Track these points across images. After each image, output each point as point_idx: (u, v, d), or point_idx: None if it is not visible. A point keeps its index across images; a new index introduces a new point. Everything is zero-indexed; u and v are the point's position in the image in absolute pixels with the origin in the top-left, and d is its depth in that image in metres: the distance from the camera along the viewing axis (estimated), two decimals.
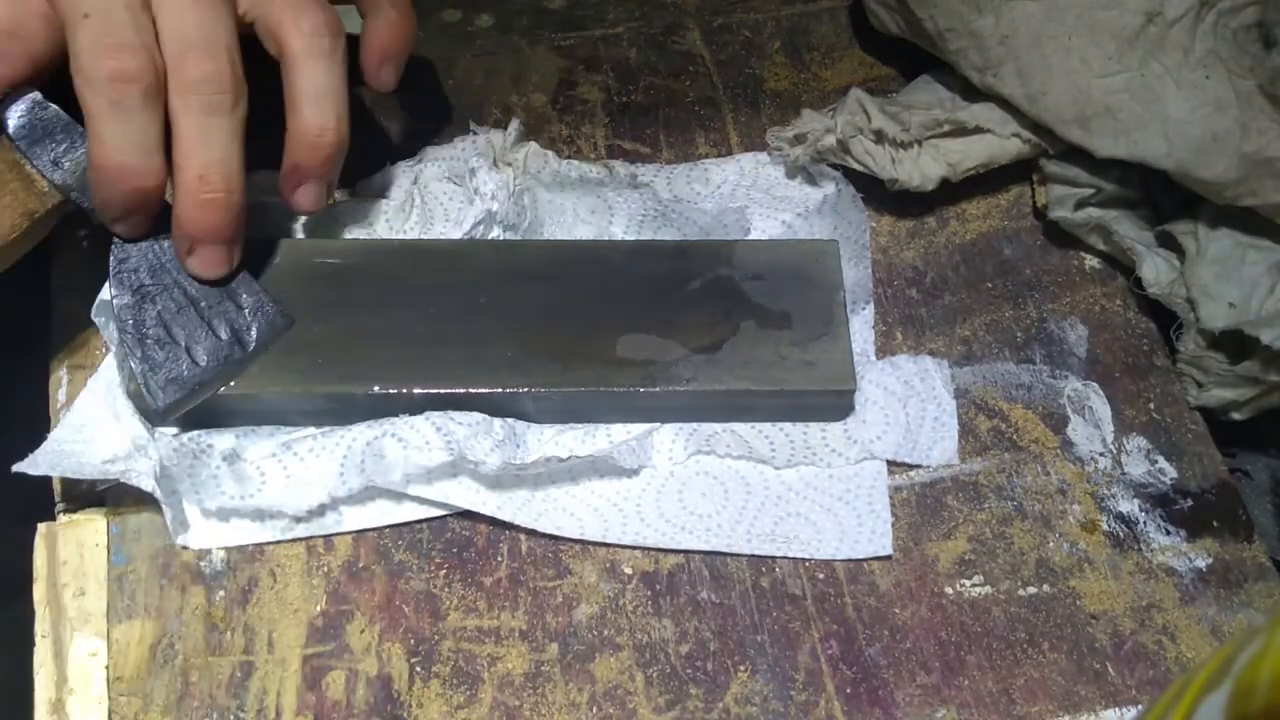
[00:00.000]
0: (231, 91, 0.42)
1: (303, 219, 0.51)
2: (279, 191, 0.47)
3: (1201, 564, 0.47)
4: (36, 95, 0.43)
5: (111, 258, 0.45)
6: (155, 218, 0.44)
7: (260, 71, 0.44)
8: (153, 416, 0.45)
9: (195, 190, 0.42)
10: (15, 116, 0.43)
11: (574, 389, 0.46)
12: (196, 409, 0.45)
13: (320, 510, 0.45)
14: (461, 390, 0.46)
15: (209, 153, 0.42)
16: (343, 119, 0.45)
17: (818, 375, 0.47)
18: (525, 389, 0.46)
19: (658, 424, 0.48)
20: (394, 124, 0.56)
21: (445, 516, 0.46)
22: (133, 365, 0.44)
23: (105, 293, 0.46)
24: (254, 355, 0.45)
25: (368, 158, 0.53)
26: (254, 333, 0.45)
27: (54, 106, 0.43)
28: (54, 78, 0.43)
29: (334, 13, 0.45)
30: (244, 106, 0.43)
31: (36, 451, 0.44)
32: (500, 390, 0.46)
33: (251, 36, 0.45)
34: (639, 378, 0.46)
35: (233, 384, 0.45)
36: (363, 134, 0.49)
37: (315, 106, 0.44)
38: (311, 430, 0.46)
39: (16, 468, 0.43)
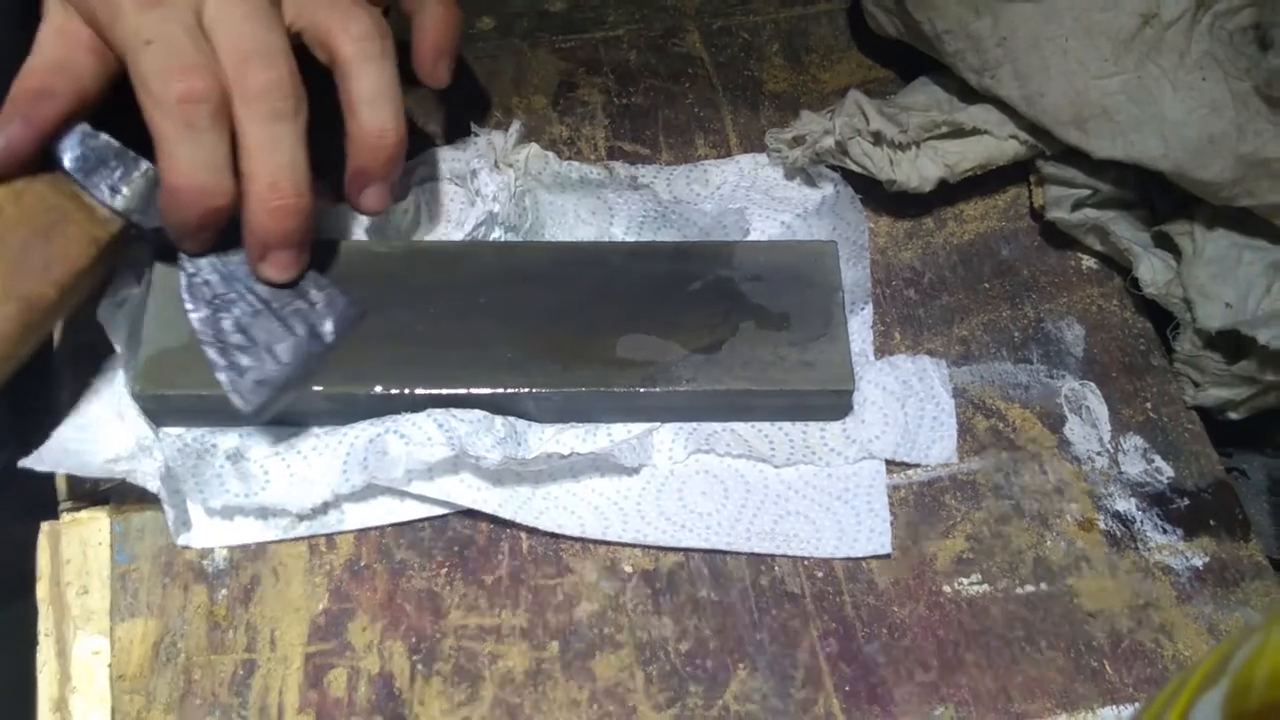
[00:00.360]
0: (293, 97, 0.43)
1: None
2: (345, 196, 0.47)
3: (1198, 562, 0.47)
4: (85, 126, 0.43)
5: (182, 275, 0.45)
6: (222, 231, 0.45)
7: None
8: (245, 419, 0.45)
9: (267, 198, 0.43)
10: (69, 150, 0.43)
11: (574, 389, 0.46)
12: (202, 409, 0.45)
13: (323, 508, 0.45)
14: (462, 391, 0.46)
15: (278, 159, 0.42)
16: (400, 119, 0.45)
17: (816, 375, 0.47)
18: (526, 389, 0.46)
19: (658, 423, 0.48)
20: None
21: (446, 515, 0.46)
22: (218, 375, 0.44)
23: (111, 292, 0.46)
24: (332, 347, 0.46)
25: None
26: (329, 325, 0.46)
27: (104, 135, 0.44)
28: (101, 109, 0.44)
29: (379, 15, 0.45)
30: (305, 112, 0.43)
31: (41, 448, 0.44)
32: (501, 391, 0.46)
33: (299, 47, 0.45)
34: (639, 378, 0.47)
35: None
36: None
37: (372, 109, 0.45)
38: (314, 428, 0.47)
39: (23, 463, 0.43)
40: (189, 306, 0.45)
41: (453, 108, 0.57)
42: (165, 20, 0.41)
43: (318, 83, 0.45)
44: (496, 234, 0.51)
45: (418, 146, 0.55)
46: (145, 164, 0.44)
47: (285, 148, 0.42)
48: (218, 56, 0.42)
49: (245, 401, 0.44)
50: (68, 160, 0.43)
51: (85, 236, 0.43)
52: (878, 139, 0.52)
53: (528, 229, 0.51)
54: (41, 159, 0.43)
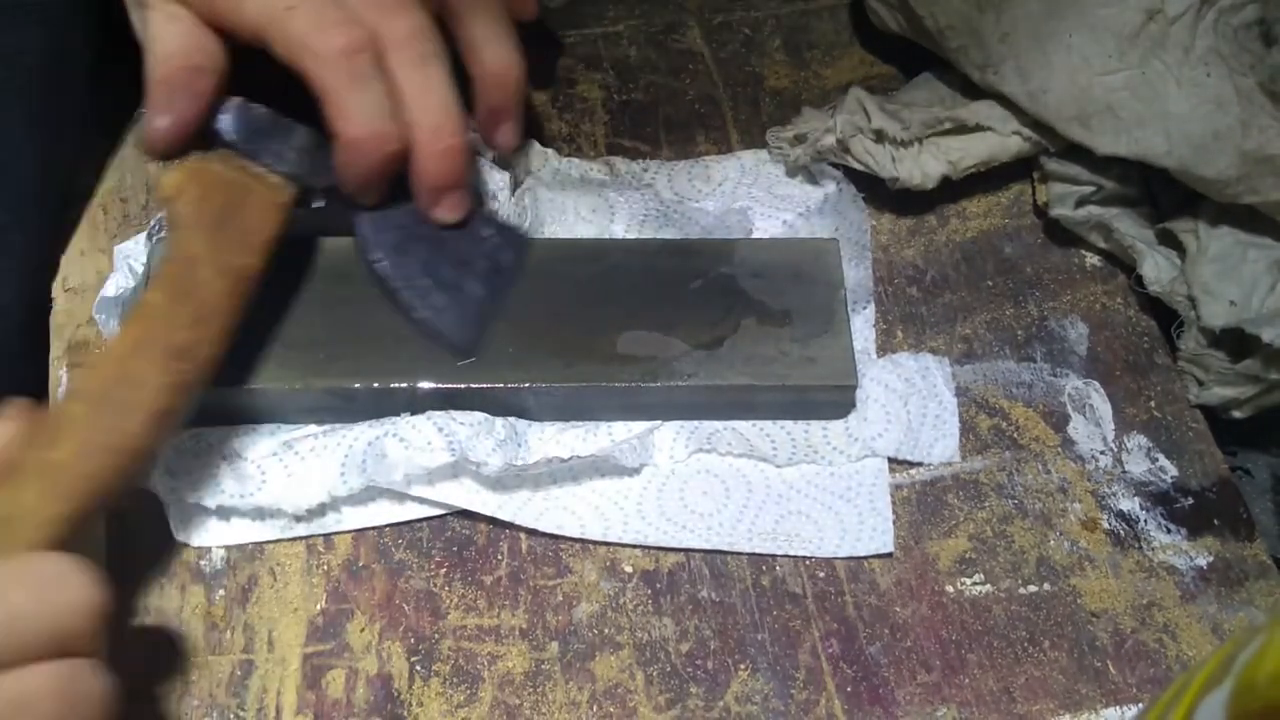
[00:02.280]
0: (436, 40, 0.43)
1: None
2: (482, 137, 0.48)
3: (1202, 562, 0.47)
4: (240, 100, 0.44)
5: (359, 229, 0.46)
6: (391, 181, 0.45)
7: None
8: (457, 354, 0.46)
9: (431, 142, 0.43)
10: (231, 123, 0.44)
11: (575, 384, 0.46)
12: (198, 405, 0.45)
13: (320, 509, 0.45)
14: (463, 385, 0.46)
15: (436, 102, 0.43)
16: (519, 54, 0.47)
17: (819, 371, 0.47)
18: (526, 384, 0.46)
19: (659, 422, 0.48)
20: None
21: (445, 515, 0.46)
22: (421, 316, 0.46)
23: (108, 289, 0.46)
24: (514, 273, 0.48)
25: None
26: (507, 255, 0.48)
27: (258, 105, 0.44)
28: None
29: None
30: (446, 53, 0.44)
31: None
32: (501, 385, 0.46)
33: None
34: (640, 373, 0.46)
35: (234, 382, 0.45)
36: None
37: (494, 48, 0.46)
38: (313, 429, 0.46)
39: None
40: (375, 257, 0.46)
41: None
42: None
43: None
44: None
45: None
46: (300, 127, 0.44)
47: (439, 90, 0.43)
48: (358, 11, 0.42)
49: (453, 336, 0.46)
50: (233, 133, 0.44)
51: (268, 203, 0.43)
52: (880, 136, 0.52)
53: (527, 227, 0.51)
54: (204, 137, 0.43)
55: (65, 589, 0.31)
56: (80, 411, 0.37)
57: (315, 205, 0.45)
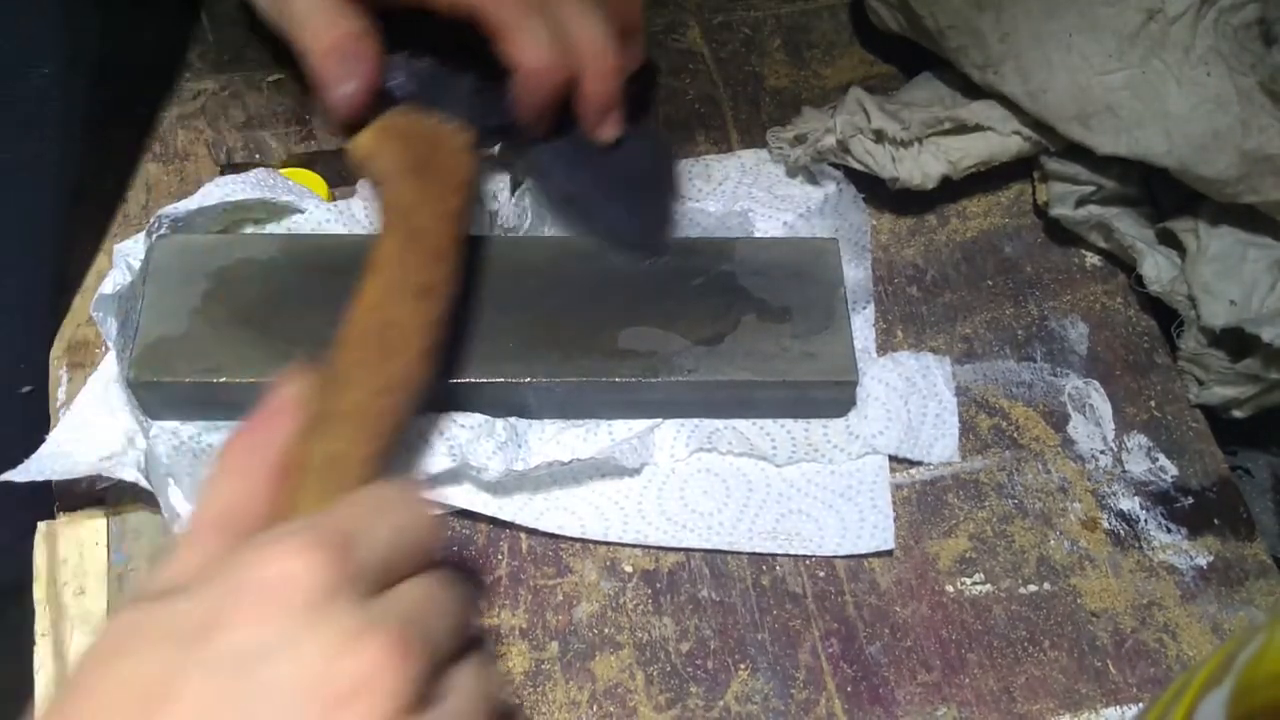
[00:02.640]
0: None
1: (301, 216, 0.51)
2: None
3: (1202, 562, 0.47)
4: (403, 56, 0.45)
5: (539, 159, 0.49)
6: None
7: None
8: (650, 255, 0.49)
9: (596, 64, 0.45)
10: (404, 81, 0.45)
11: (576, 379, 0.46)
12: (198, 398, 0.45)
13: None
14: (463, 380, 0.46)
15: (596, 27, 0.45)
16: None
17: (819, 366, 0.47)
18: (527, 379, 0.46)
19: (659, 420, 0.48)
20: None
21: (445, 514, 0.46)
22: (611, 228, 0.49)
23: (105, 286, 0.46)
24: (673, 174, 0.53)
25: None
26: (661, 163, 0.52)
27: (421, 59, 0.45)
28: None
29: None
30: None
31: (30, 458, 0.44)
32: (502, 380, 0.46)
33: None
34: (640, 368, 0.46)
35: (234, 374, 0.45)
36: None
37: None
38: None
39: (4, 476, 0.43)
40: (559, 181, 0.49)
41: None
42: None
43: None
44: (495, 234, 0.51)
45: None
46: (463, 74, 0.46)
47: (595, 16, 0.45)
48: None
49: (652, 245, 0.49)
50: (408, 88, 0.45)
51: (455, 148, 0.44)
52: (880, 136, 0.52)
53: (526, 229, 0.51)
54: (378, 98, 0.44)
55: (409, 512, 0.34)
56: (357, 358, 0.39)
57: (488, 146, 0.47)
